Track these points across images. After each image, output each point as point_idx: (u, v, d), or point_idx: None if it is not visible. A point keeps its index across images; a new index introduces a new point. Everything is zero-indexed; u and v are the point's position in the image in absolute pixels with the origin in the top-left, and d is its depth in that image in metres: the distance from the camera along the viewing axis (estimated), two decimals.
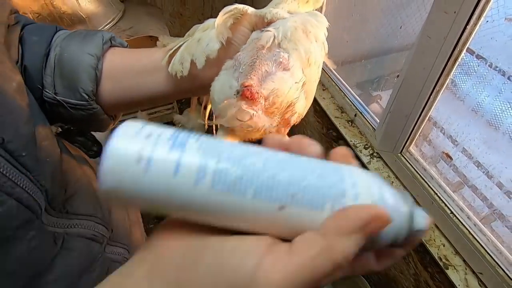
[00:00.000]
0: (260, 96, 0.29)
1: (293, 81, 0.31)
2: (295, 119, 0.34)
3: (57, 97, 0.36)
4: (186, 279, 0.16)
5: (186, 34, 0.38)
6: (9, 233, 0.24)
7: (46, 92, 0.36)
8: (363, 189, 0.18)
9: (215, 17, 0.35)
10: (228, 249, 0.16)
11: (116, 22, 1.45)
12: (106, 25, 1.41)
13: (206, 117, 0.44)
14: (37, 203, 0.27)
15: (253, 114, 0.29)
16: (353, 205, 0.17)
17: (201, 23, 0.37)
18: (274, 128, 0.32)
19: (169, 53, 0.37)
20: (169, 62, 0.37)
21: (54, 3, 1.22)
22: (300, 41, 0.31)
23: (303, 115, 0.35)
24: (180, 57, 0.36)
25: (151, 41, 1.61)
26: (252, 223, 0.17)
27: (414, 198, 0.94)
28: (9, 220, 0.24)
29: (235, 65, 0.31)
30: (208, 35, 0.34)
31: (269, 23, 0.33)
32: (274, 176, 0.16)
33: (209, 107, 0.45)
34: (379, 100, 1.32)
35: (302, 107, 0.33)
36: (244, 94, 0.29)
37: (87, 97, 0.36)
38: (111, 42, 0.39)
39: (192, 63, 0.34)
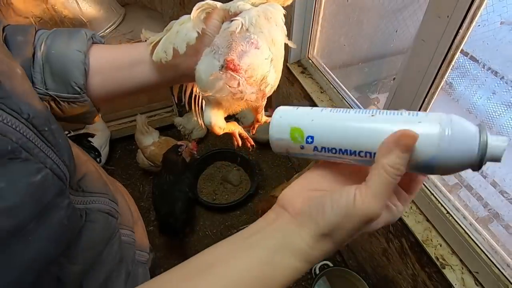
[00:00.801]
0: (241, 68, 0.35)
1: (264, 57, 0.37)
2: (269, 90, 0.41)
3: (49, 92, 0.38)
4: (320, 218, 0.26)
5: (165, 29, 0.42)
6: (50, 199, 0.26)
7: (37, 88, 0.38)
8: (433, 115, 0.24)
9: None
10: (336, 199, 0.26)
11: (117, 26, 1.47)
12: (107, 28, 1.43)
13: (187, 99, 0.51)
14: (64, 175, 0.29)
15: (239, 80, 0.35)
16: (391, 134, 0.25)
17: None
18: (254, 97, 0.39)
19: (152, 45, 0.41)
20: (152, 52, 0.41)
21: (56, 7, 1.24)
22: (263, 26, 0.37)
23: (275, 87, 0.42)
24: (162, 47, 0.41)
25: None
26: (357, 129, 0.26)
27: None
28: (48, 187, 0.25)
29: (213, 50, 0.37)
30: (185, 27, 0.40)
31: (234, 15, 0.39)
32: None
33: (188, 92, 0.52)
34: (377, 103, 1.33)
35: (273, 79, 0.40)
36: (228, 67, 0.35)
37: (79, 90, 0.39)
38: (92, 39, 0.42)
39: (174, 51, 0.39)
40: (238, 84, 0.35)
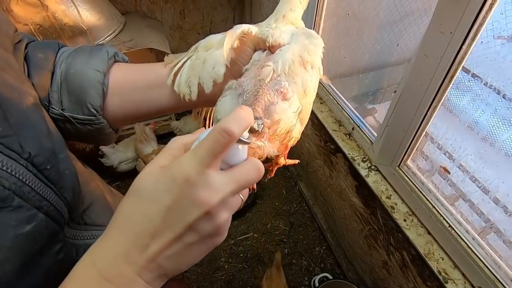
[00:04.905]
0: (266, 127, 0.31)
1: (292, 110, 0.33)
2: (292, 143, 0.37)
3: (65, 113, 0.36)
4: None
5: (189, 51, 0.39)
6: (39, 247, 0.24)
7: (53, 108, 0.36)
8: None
9: (214, 31, 0.36)
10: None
11: (117, 34, 1.47)
12: (107, 37, 1.42)
13: (207, 125, 0.50)
14: (62, 216, 0.27)
15: (260, 145, 0.32)
16: None
17: (200, 36, 0.38)
18: (275, 152, 0.34)
19: (174, 72, 0.38)
20: (174, 80, 0.38)
21: (56, 15, 1.23)
22: (297, 74, 0.33)
23: (299, 138, 0.38)
24: (186, 78, 0.37)
25: (151, 53, 1.63)
26: None
27: (413, 212, 0.95)
28: (39, 234, 0.24)
29: (239, 91, 0.33)
30: (212, 56, 0.36)
31: (271, 48, 0.35)
32: None
33: (203, 113, 0.49)
34: (374, 114, 1.34)
35: (298, 132, 0.36)
36: (253, 128, 0.31)
37: (95, 112, 0.37)
38: (114, 58, 0.40)
39: (199, 87, 0.36)
40: (259, 148, 0.32)
